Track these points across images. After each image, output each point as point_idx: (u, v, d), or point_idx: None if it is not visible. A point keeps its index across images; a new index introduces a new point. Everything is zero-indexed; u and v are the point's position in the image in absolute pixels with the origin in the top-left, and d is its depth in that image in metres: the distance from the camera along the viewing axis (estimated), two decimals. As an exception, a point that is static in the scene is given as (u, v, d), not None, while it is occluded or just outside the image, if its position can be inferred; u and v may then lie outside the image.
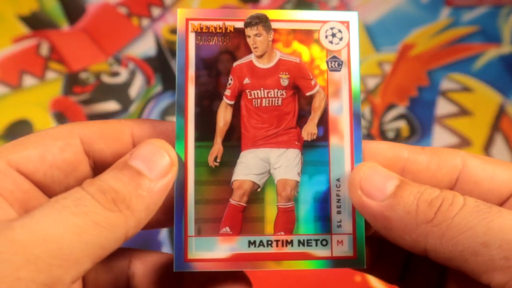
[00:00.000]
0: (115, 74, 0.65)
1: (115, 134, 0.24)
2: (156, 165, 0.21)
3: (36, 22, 0.67)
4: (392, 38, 0.71)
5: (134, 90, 0.64)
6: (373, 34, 0.71)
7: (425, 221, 0.20)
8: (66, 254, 0.18)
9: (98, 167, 0.24)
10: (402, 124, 0.66)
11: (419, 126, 0.66)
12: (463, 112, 0.67)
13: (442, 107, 0.67)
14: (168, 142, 0.23)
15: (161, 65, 0.66)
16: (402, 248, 0.21)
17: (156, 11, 0.69)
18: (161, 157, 0.21)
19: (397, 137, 0.65)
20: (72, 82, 0.64)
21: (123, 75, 0.65)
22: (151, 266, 0.25)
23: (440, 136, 0.65)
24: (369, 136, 0.65)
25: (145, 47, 0.67)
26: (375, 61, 0.70)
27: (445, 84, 0.69)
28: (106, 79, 0.65)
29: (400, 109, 0.67)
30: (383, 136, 0.65)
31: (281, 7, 0.72)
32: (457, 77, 0.69)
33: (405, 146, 0.24)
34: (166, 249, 0.56)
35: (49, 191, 0.23)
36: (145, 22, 0.69)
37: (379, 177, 0.22)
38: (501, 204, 0.23)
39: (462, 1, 0.73)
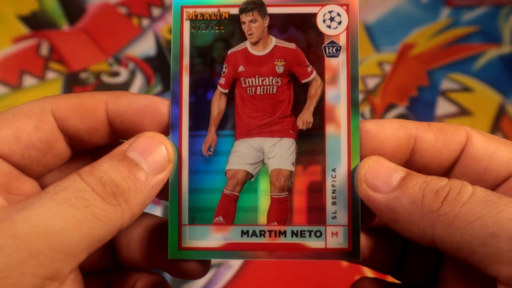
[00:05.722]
0: (115, 74, 0.65)
1: (89, 111, 0.23)
2: (154, 160, 0.21)
3: (36, 22, 0.67)
4: (392, 38, 0.71)
5: (134, 90, 0.64)
6: (373, 34, 0.71)
7: (431, 210, 0.19)
8: (66, 248, 0.18)
9: (74, 143, 0.24)
10: (402, 124, 0.66)
11: (419, 126, 0.66)
12: (463, 112, 0.67)
13: (442, 107, 0.67)
14: (142, 119, 0.23)
15: (161, 65, 0.66)
16: (410, 240, 0.21)
17: (156, 11, 0.69)
18: (160, 152, 0.22)
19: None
20: (72, 82, 0.64)
21: (123, 75, 0.65)
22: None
23: (440, 136, 0.65)
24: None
25: (145, 47, 0.67)
26: (375, 61, 0.69)
27: (445, 84, 0.68)
28: (106, 79, 0.65)
29: (400, 109, 0.67)
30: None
31: None
32: (457, 77, 0.69)
33: (413, 124, 0.23)
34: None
35: (28, 171, 0.23)
36: (145, 22, 0.69)
37: (384, 170, 0.21)
38: (498, 184, 0.22)
39: (462, 1, 0.73)
